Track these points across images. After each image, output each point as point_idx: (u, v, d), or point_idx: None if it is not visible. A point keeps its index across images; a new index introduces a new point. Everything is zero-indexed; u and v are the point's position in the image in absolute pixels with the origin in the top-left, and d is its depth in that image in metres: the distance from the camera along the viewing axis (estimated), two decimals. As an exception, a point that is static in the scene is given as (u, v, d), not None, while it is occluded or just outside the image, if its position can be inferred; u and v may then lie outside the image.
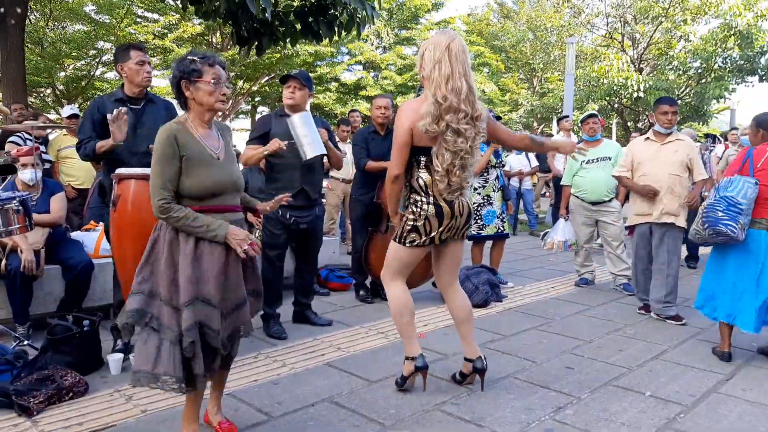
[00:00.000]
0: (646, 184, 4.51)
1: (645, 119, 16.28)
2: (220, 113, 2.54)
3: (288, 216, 4.03)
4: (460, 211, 2.98)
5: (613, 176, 5.01)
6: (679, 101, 15.95)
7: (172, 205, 2.27)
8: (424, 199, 2.95)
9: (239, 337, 2.49)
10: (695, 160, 4.51)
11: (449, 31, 2.93)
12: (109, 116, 3.34)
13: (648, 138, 4.66)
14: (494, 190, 5.46)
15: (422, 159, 2.92)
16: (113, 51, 16.29)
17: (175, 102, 2.80)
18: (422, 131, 2.83)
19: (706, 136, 17.23)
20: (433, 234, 2.97)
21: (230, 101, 18.89)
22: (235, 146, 5.23)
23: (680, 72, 15.89)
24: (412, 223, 2.97)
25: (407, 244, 3.01)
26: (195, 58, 2.36)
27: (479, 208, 5.45)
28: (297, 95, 4.05)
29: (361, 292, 5.17)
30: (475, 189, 5.46)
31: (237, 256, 2.35)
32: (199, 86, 2.34)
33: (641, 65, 17.64)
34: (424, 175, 2.93)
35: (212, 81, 2.34)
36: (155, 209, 2.28)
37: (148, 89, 3.71)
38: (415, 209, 2.97)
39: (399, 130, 2.92)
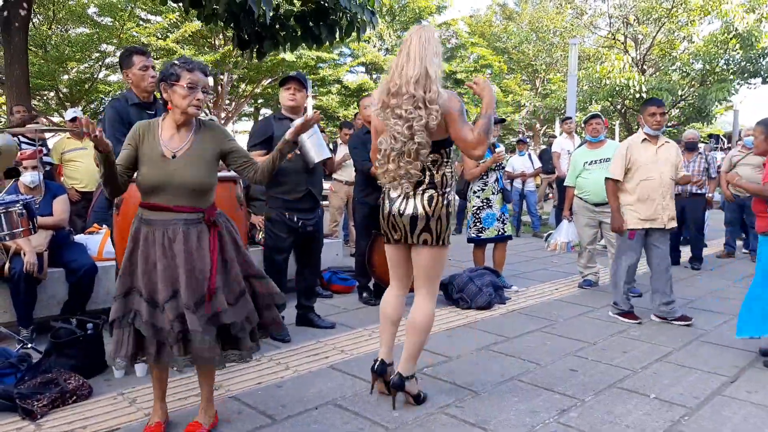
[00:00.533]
0: (616, 218, 4.54)
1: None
2: (204, 116, 2.60)
3: (296, 219, 4.04)
4: (400, 211, 2.83)
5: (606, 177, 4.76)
6: (681, 102, 16.01)
7: None
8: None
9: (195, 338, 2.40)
10: (681, 161, 4.59)
11: (422, 25, 2.92)
12: None
13: (645, 139, 4.54)
14: (493, 193, 5.45)
15: None
16: (116, 53, 16.41)
17: None
18: (377, 118, 2.88)
19: (710, 136, 17.19)
20: (381, 227, 2.97)
21: (233, 105, 18.94)
22: None
23: (683, 73, 15.86)
24: None
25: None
26: (176, 62, 2.46)
27: (478, 211, 5.46)
28: (297, 96, 4.08)
29: (365, 294, 5.16)
30: (474, 192, 5.46)
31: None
32: (175, 89, 2.45)
33: (644, 66, 17.61)
34: None
35: (187, 85, 2.42)
36: None
37: (155, 94, 3.71)
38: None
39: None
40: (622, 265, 4.59)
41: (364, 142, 4.86)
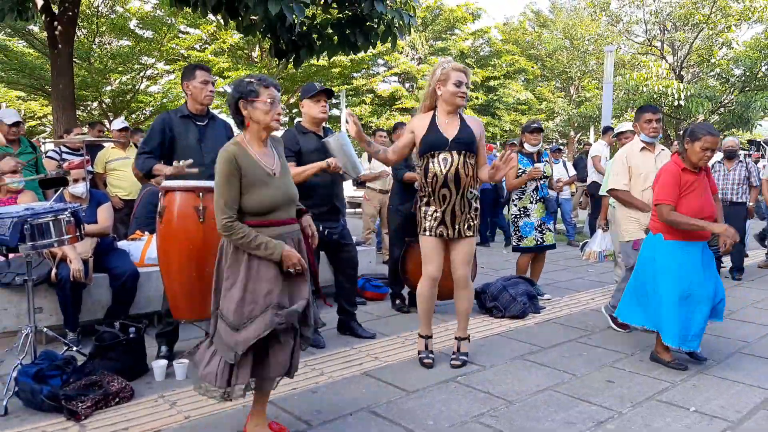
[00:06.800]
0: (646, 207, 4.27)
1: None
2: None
3: (321, 228, 4.09)
4: None
5: (607, 191, 4.61)
6: (722, 109, 15.63)
7: (235, 224, 2.38)
8: None
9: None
10: None
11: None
12: (180, 163, 3.48)
13: (644, 148, 4.41)
14: (531, 202, 5.42)
15: None
16: (156, 65, 16.85)
17: (232, 122, 2.98)
18: None
19: (750, 142, 16.69)
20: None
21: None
22: None
23: (723, 79, 15.50)
24: None
25: None
26: (252, 79, 2.51)
27: (516, 220, 5.43)
28: (326, 110, 4.13)
29: (398, 302, 5.18)
30: (512, 200, 5.45)
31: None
32: (256, 106, 2.47)
33: (681, 72, 17.27)
34: None
35: (268, 101, 2.47)
36: (219, 227, 2.40)
37: (209, 107, 3.88)
38: None
39: None
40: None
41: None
